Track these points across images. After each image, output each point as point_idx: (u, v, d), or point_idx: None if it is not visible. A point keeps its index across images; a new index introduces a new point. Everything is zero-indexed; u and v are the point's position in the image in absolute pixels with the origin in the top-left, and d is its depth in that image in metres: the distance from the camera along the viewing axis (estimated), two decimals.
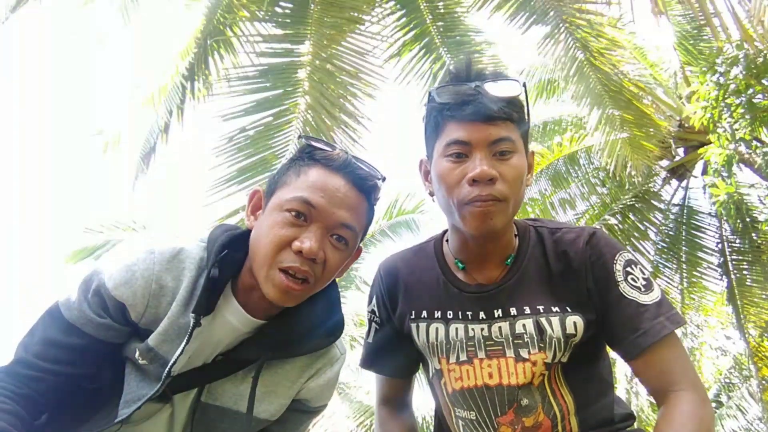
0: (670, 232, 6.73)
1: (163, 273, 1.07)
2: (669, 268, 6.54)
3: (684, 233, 6.75)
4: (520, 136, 1.13)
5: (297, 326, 1.16)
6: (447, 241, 1.31)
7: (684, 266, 6.62)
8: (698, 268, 6.61)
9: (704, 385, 1.10)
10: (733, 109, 3.98)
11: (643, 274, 1.15)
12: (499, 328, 1.17)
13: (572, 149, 6.94)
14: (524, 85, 1.14)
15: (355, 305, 7.74)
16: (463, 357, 1.20)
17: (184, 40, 4.80)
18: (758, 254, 6.37)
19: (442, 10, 5.04)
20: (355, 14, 4.53)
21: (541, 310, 1.16)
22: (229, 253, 1.11)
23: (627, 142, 5.02)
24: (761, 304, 6.41)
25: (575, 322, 1.14)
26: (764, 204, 5.94)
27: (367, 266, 8.01)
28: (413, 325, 1.26)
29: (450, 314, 1.22)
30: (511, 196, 1.10)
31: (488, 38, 5.15)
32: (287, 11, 4.52)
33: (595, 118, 5.00)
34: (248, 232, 1.15)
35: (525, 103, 1.16)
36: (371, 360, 1.39)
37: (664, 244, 6.63)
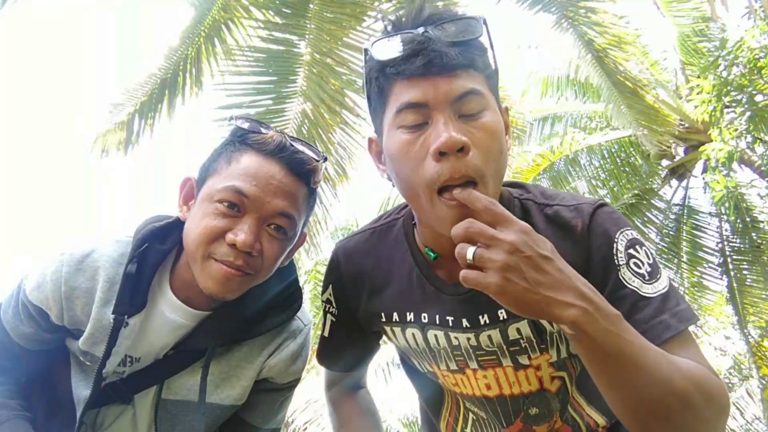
0: (671, 232, 6.73)
1: (72, 274, 1.03)
2: (669, 267, 6.53)
3: (684, 233, 6.76)
4: (488, 88, 0.90)
5: (247, 310, 1.10)
6: (415, 223, 1.07)
7: (684, 266, 6.63)
8: (698, 268, 6.63)
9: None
10: (734, 106, 3.97)
11: (649, 258, 0.93)
12: (489, 336, 0.98)
13: (574, 149, 6.93)
14: (485, 22, 0.90)
15: None
16: (453, 366, 1.04)
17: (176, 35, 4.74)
18: (758, 254, 6.39)
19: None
20: (355, 17, 4.50)
21: None
22: (152, 246, 1.06)
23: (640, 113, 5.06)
24: (761, 304, 6.42)
25: None
26: (763, 199, 5.93)
27: None
28: (387, 328, 1.10)
29: (425, 317, 1.03)
30: (490, 169, 0.85)
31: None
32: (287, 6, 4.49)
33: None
34: (179, 221, 1.08)
35: (490, 47, 0.93)
36: (330, 358, 1.23)
37: (665, 244, 6.63)
